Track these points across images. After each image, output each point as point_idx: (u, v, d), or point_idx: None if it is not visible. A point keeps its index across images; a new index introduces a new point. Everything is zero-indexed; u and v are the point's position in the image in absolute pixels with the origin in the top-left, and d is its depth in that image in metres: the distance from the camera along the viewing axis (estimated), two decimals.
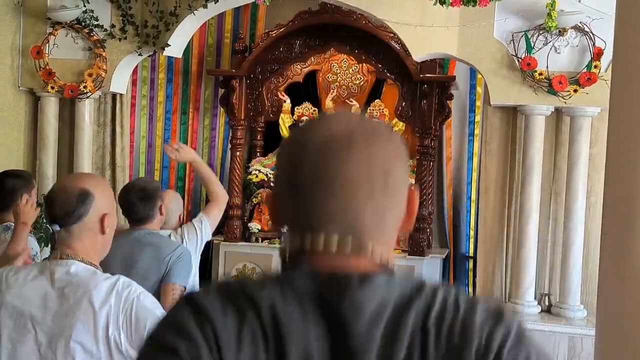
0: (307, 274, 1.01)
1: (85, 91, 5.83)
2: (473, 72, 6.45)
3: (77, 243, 2.08)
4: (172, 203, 3.67)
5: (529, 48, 5.13)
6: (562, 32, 5.06)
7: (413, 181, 6.50)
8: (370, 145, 1.04)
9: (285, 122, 7.12)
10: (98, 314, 1.98)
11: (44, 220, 3.74)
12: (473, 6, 4.65)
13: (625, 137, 2.24)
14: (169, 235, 3.48)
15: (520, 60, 5.15)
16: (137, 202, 3.25)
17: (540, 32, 5.13)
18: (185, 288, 3.17)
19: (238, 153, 6.84)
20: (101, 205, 2.10)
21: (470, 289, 6.47)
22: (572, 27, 5.07)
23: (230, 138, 7.01)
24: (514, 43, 5.20)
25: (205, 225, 3.63)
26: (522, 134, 5.44)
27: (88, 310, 1.99)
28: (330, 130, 1.04)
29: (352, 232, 1.02)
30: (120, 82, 6.10)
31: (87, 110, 6.03)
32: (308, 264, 1.02)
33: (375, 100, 7.06)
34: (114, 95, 6.29)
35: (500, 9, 5.16)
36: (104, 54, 5.81)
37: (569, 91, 5.07)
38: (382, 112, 6.96)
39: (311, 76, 7.28)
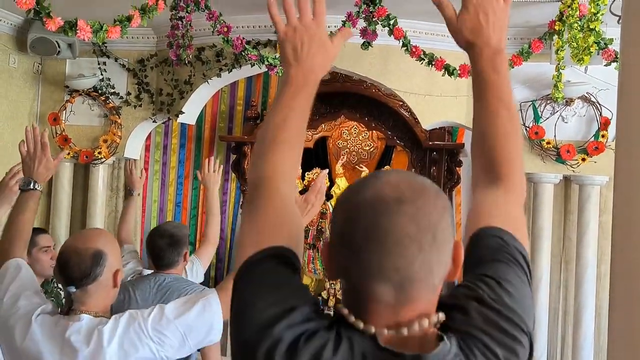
0: (365, 336, 1.11)
1: (99, 157, 5.93)
2: None
3: (92, 299, 2.19)
4: None
5: (537, 117, 5.21)
6: (569, 102, 5.14)
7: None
8: (418, 203, 1.11)
9: (296, 187, 7.19)
10: (107, 351, 2.06)
11: (55, 284, 3.75)
12: None
13: (630, 205, 2.27)
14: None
15: (528, 129, 5.22)
16: (165, 248, 3.24)
17: (548, 101, 5.22)
18: None
19: None
20: (113, 262, 2.21)
21: None
22: (578, 98, 5.16)
23: (241, 203, 7.08)
24: (521, 112, 5.28)
25: (197, 267, 3.66)
26: (531, 202, 5.46)
27: (99, 353, 2.04)
28: (380, 190, 1.12)
29: (402, 284, 1.10)
30: (134, 148, 6.20)
31: (100, 176, 6.12)
32: (365, 323, 1.12)
33: (385, 167, 7.14)
34: (127, 161, 6.39)
35: None
36: (119, 121, 5.94)
37: (577, 160, 5.12)
38: None
39: (322, 142, 7.39)
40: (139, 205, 6.61)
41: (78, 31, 3.60)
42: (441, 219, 1.12)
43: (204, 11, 4.40)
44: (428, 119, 5.48)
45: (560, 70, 4.54)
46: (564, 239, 5.49)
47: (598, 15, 3.61)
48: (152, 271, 3.30)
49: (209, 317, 2.15)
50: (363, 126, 7.07)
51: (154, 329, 2.09)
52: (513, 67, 4.61)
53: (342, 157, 7.22)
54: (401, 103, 6.04)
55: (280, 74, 5.13)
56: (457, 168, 6.55)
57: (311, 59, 1.40)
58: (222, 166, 4.03)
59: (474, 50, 1.42)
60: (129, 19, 3.79)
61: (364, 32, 4.47)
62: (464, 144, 6.53)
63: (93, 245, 2.18)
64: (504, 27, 1.43)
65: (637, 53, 2.49)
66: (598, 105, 5.12)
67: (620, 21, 2.43)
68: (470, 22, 1.42)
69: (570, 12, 4.07)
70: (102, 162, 6.03)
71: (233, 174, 7.15)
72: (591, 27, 3.61)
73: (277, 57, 4.87)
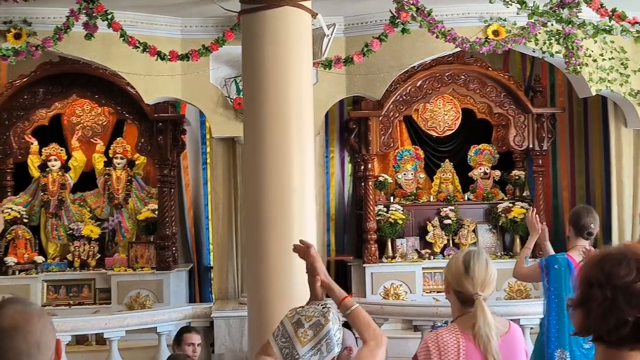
0: None
1: None
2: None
3: None
4: None
5: (238, 91, 6.41)
6: None
7: (157, 206, 7.46)
8: (27, 327, 1.50)
9: (34, 162, 7.74)
10: None
11: None
12: (187, 61, 5.81)
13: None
14: None
15: (232, 100, 6.41)
16: None
17: None
18: None
19: None
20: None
21: (213, 295, 7.57)
22: None
23: None
24: (226, 87, 6.45)
25: None
26: (240, 160, 6.70)
27: None
28: None
29: None
30: None
31: None
32: None
33: (118, 138, 7.94)
34: None
35: (214, 60, 6.38)
36: None
37: None
38: (125, 148, 7.86)
39: (56, 119, 7.97)
40: None
41: None
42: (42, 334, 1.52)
43: None
44: (149, 95, 6.45)
45: None
46: None
47: None
48: None
49: None
50: (95, 103, 7.78)
51: None
52: (212, 52, 5.75)
53: (77, 132, 7.87)
54: (127, 82, 6.90)
55: (13, 63, 5.73)
56: (181, 136, 7.58)
57: None
58: None
59: None
60: None
61: (86, 25, 5.28)
62: (184, 114, 7.57)
63: None
64: None
65: (256, 45, 3.76)
66: None
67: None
68: None
69: None
70: None
71: None
72: None
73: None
